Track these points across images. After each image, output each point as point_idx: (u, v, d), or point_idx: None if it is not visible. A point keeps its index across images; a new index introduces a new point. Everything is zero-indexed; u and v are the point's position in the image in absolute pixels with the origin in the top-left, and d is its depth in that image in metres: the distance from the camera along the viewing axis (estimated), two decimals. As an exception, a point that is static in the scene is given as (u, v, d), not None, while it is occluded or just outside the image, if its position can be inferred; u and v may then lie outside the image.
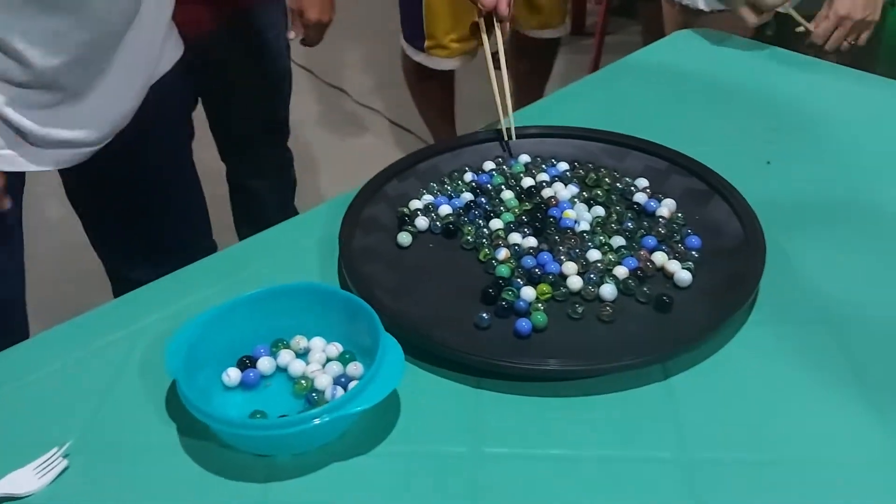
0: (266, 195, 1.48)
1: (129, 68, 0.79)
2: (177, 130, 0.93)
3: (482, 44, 0.84)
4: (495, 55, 0.85)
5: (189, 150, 1.01)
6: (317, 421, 0.53)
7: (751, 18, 1.08)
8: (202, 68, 1.17)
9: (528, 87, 1.94)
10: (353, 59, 2.77)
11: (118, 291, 1.04)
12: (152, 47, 0.83)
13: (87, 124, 0.77)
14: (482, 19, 0.83)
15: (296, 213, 1.55)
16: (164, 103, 0.86)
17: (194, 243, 0.96)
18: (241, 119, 1.40)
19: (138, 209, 0.93)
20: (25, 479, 0.55)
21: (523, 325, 0.63)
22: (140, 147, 0.86)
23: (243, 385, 0.60)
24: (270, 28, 1.31)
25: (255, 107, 1.39)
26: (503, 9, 0.81)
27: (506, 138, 0.84)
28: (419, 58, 1.77)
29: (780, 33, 1.20)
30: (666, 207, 0.76)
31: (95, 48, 0.75)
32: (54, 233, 1.89)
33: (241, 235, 1.46)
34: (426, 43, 1.73)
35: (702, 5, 1.22)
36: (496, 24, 0.83)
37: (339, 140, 2.39)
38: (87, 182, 0.89)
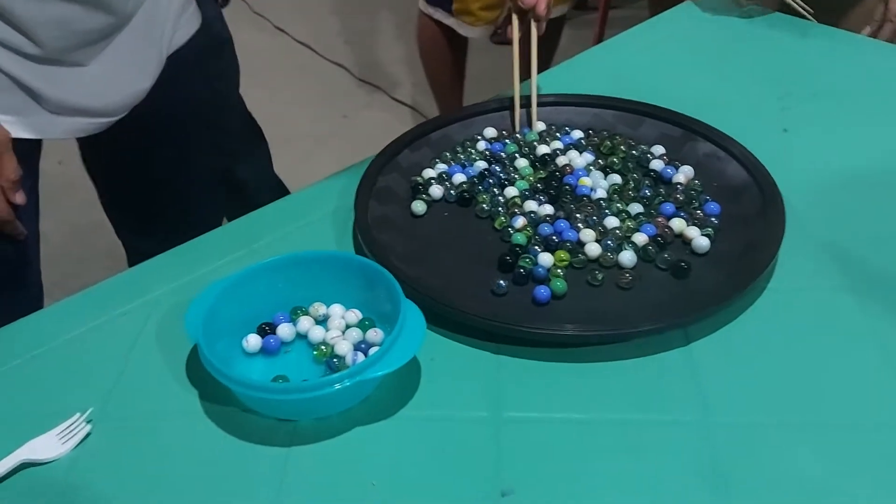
0: (239, 162, 1.46)
1: (143, 42, 0.79)
2: (196, 110, 0.92)
3: (510, 41, 0.81)
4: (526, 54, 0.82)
5: (203, 121, 1.00)
6: (338, 385, 0.53)
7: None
8: None
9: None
10: (353, 35, 2.75)
11: (132, 262, 1.04)
12: (166, 22, 0.82)
13: (102, 94, 0.77)
14: (514, 14, 0.80)
15: (278, 179, 1.53)
16: (182, 75, 0.85)
17: (209, 215, 0.95)
18: None
19: (153, 180, 0.93)
20: (49, 445, 0.55)
21: (542, 291, 0.63)
22: (159, 123, 0.86)
23: (264, 351, 0.60)
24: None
25: None
26: (542, 9, 0.78)
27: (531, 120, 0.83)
28: (445, 20, 1.76)
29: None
30: (683, 174, 0.75)
31: (105, 31, 0.75)
32: (73, 211, 1.88)
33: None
34: (454, 6, 1.72)
35: None
36: (532, 24, 0.80)
37: (341, 116, 2.38)
38: (103, 151, 0.89)
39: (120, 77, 0.78)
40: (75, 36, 0.72)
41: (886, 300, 0.64)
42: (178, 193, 0.95)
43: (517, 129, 0.83)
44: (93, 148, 0.90)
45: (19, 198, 0.73)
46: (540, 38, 0.81)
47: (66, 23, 0.71)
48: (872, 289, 0.65)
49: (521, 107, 0.83)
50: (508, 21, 0.81)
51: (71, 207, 1.95)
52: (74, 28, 0.72)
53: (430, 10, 1.79)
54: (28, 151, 0.76)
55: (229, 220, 1.35)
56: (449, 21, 1.76)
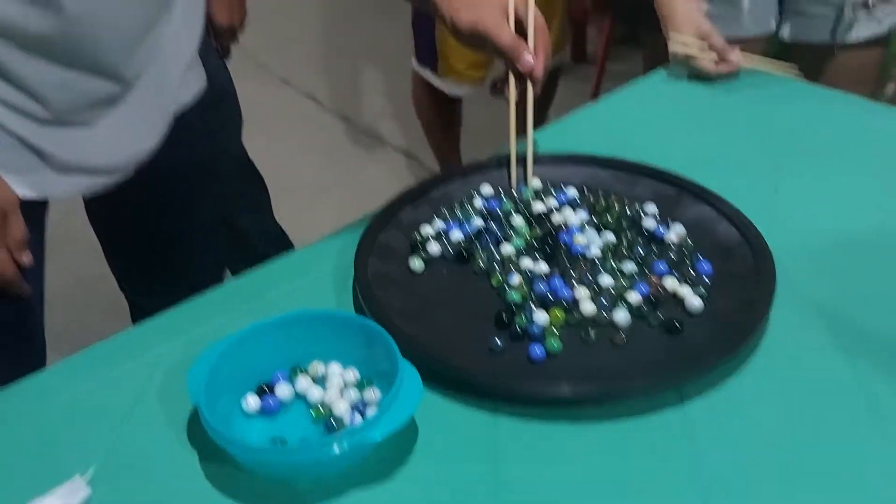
0: (241, 212, 1.49)
1: (150, 102, 0.81)
2: (200, 163, 0.94)
3: (507, 99, 0.82)
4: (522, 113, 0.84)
5: (209, 177, 1.02)
6: (336, 447, 0.54)
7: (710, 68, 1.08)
8: None
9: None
10: (357, 87, 2.81)
11: (135, 315, 1.05)
12: (173, 82, 0.85)
13: (108, 153, 0.79)
14: (510, 73, 0.80)
15: (279, 227, 1.56)
16: (186, 131, 0.88)
17: (212, 274, 0.97)
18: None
19: (156, 233, 0.94)
20: (49, 507, 0.55)
21: (537, 350, 0.64)
22: (162, 178, 0.87)
23: (263, 412, 0.61)
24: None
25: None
26: (539, 73, 0.77)
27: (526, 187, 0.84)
28: (432, 80, 1.80)
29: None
30: (675, 233, 0.77)
31: (112, 95, 0.77)
32: (76, 262, 1.90)
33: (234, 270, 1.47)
34: (439, 66, 1.76)
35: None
36: (529, 85, 0.79)
37: (345, 168, 2.41)
38: (109, 209, 0.91)
39: (126, 137, 0.80)
40: (82, 99, 0.75)
41: (877, 359, 0.65)
42: (181, 245, 0.97)
43: (514, 185, 0.85)
44: (97, 202, 0.92)
45: (26, 258, 0.75)
46: (536, 97, 0.83)
47: (72, 87, 0.73)
48: (863, 348, 0.66)
49: (518, 164, 0.86)
50: (507, 77, 0.83)
51: (74, 258, 1.97)
52: (81, 91, 0.74)
53: (420, 69, 1.84)
54: (35, 209, 0.78)
55: (231, 269, 1.37)
56: (435, 81, 1.80)
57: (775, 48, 1.26)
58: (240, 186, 1.45)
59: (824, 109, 1.03)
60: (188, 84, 0.88)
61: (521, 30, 0.78)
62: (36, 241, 0.80)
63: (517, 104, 0.84)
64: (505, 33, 0.74)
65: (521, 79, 0.79)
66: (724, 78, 1.08)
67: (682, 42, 1.08)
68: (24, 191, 0.75)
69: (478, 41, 0.75)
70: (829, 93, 1.07)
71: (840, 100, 1.05)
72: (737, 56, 1.07)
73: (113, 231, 0.95)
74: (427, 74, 1.82)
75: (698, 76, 1.09)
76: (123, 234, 0.95)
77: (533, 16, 0.78)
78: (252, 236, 1.49)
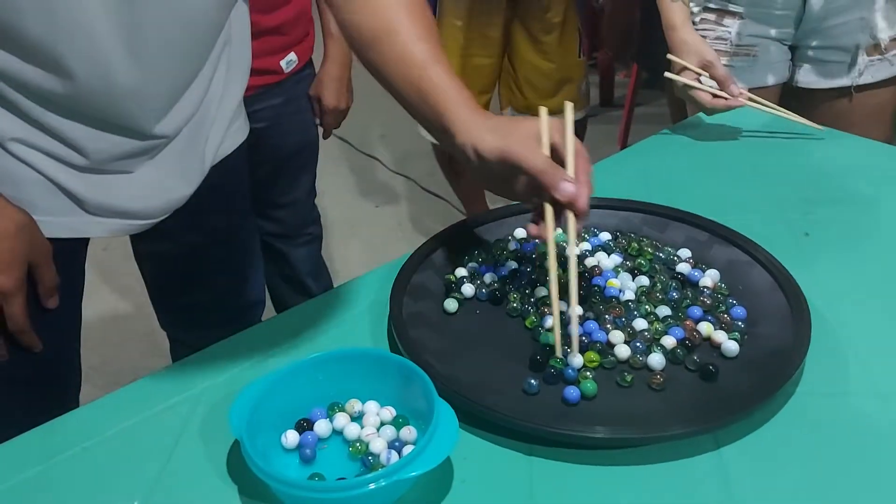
0: (293, 252, 1.54)
1: (188, 153, 0.82)
2: (239, 202, 0.97)
3: (546, 239, 0.68)
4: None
5: (251, 218, 1.04)
6: (372, 485, 0.55)
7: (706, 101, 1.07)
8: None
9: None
10: (387, 128, 2.86)
11: (175, 350, 1.07)
12: (213, 135, 0.85)
13: (145, 198, 0.80)
14: (548, 206, 0.67)
15: (324, 263, 1.62)
16: (227, 178, 0.90)
17: (251, 308, 0.98)
18: (284, 188, 1.47)
19: (201, 274, 0.96)
20: (92, 539, 0.56)
21: (572, 392, 0.65)
22: (202, 218, 0.90)
23: (301, 447, 0.62)
24: (304, 105, 1.39)
25: (297, 177, 1.47)
26: (582, 205, 0.65)
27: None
28: (427, 136, 1.86)
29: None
30: (709, 278, 0.77)
31: (151, 147, 0.78)
32: (112, 297, 1.94)
33: (272, 285, 1.51)
34: None
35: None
36: (571, 219, 0.67)
37: (374, 207, 2.45)
38: (152, 244, 0.93)
39: (163, 184, 0.81)
40: (117, 150, 0.75)
41: (916, 407, 0.64)
42: (224, 281, 0.98)
43: (559, 353, 0.68)
44: (141, 237, 0.94)
45: (52, 303, 0.77)
46: (578, 232, 0.69)
47: (107, 140, 0.74)
48: (901, 395, 0.66)
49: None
50: (540, 215, 0.68)
51: (112, 292, 2.01)
52: (116, 144, 0.75)
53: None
54: (74, 245, 0.80)
55: (274, 302, 1.40)
56: (428, 135, 1.85)
57: (790, 94, 1.27)
58: (296, 221, 1.51)
59: (852, 156, 1.03)
60: (230, 137, 0.89)
61: (557, 158, 0.67)
62: (75, 275, 0.82)
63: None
64: (539, 157, 0.65)
65: (559, 213, 0.67)
66: (723, 112, 1.07)
67: (679, 69, 1.07)
68: (60, 231, 0.77)
69: (506, 170, 0.66)
70: (854, 139, 1.07)
71: (866, 147, 1.06)
72: (737, 91, 1.05)
73: (156, 266, 0.97)
74: (422, 131, 1.88)
75: (704, 112, 1.08)
76: (166, 269, 0.97)
77: (572, 138, 0.68)
78: (298, 270, 1.55)
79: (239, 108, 0.90)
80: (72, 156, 0.74)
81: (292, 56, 1.33)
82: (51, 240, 0.75)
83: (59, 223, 0.77)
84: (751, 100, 1.06)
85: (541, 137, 0.67)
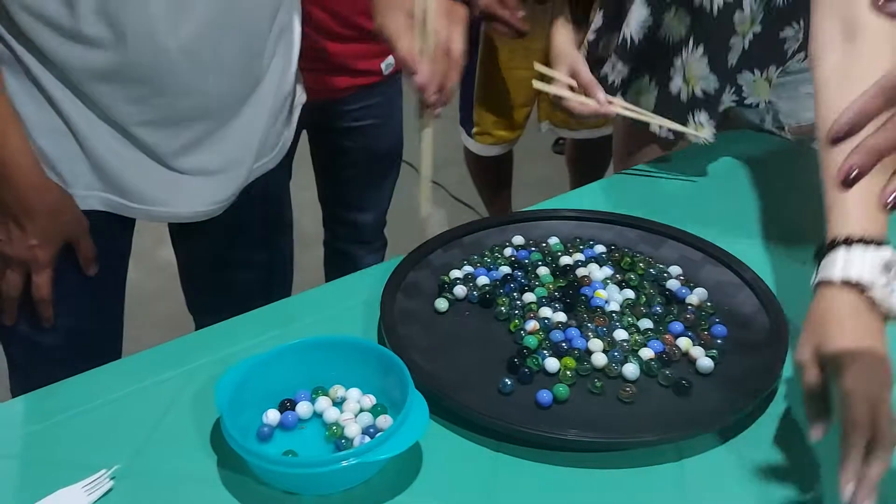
0: (363, 259, 1.58)
1: (236, 153, 0.85)
2: (279, 193, 0.99)
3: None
4: None
5: (289, 218, 1.06)
6: (343, 463, 0.57)
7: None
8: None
9: (585, 179, 2.01)
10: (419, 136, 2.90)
11: None
12: (263, 149, 0.88)
13: (189, 202, 0.83)
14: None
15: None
16: (275, 188, 0.93)
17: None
18: (370, 192, 1.50)
19: (231, 265, 0.99)
20: (73, 497, 0.60)
21: (544, 395, 0.67)
22: (244, 218, 0.92)
23: (281, 426, 0.65)
24: (396, 109, 1.42)
25: (382, 182, 1.50)
26: (430, 93, 0.74)
27: None
28: (466, 142, 1.89)
29: None
30: (696, 296, 0.79)
31: (197, 136, 0.81)
32: (136, 278, 2.00)
33: None
34: (474, 129, 1.84)
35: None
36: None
37: (403, 212, 2.49)
38: (188, 233, 0.95)
39: (203, 187, 0.83)
40: (171, 138, 0.78)
41: (885, 437, 0.65)
42: (254, 273, 1.01)
43: (424, 209, 0.82)
44: (179, 226, 0.96)
45: (92, 270, 0.82)
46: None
47: (162, 123, 0.78)
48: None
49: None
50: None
51: (137, 275, 2.07)
52: (170, 122, 0.78)
53: (461, 132, 1.92)
54: (118, 226, 0.84)
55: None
56: (469, 143, 1.87)
57: None
58: (375, 227, 1.54)
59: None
60: (274, 143, 0.91)
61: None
62: (122, 247, 0.86)
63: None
64: (404, 42, 0.72)
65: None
66: (591, 120, 1.05)
67: (546, 80, 1.04)
68: (96, 204, 0.81)
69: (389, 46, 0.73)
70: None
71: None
72: (603, 98, 1.00)
73: (190, 252, 1.00)
74: (463, 137, 1.90)
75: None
76: (198, 258, 1.00)
77: (432, 28, 0.73)
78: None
79: (287, 118, 0.92)
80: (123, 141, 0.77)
81: (391, 59, 1.37)
82: (94, 213, 0.79)
83: (94, 197, 0.80)
84: (625, 107, 1.03)
85: (411, 14, 0.72)
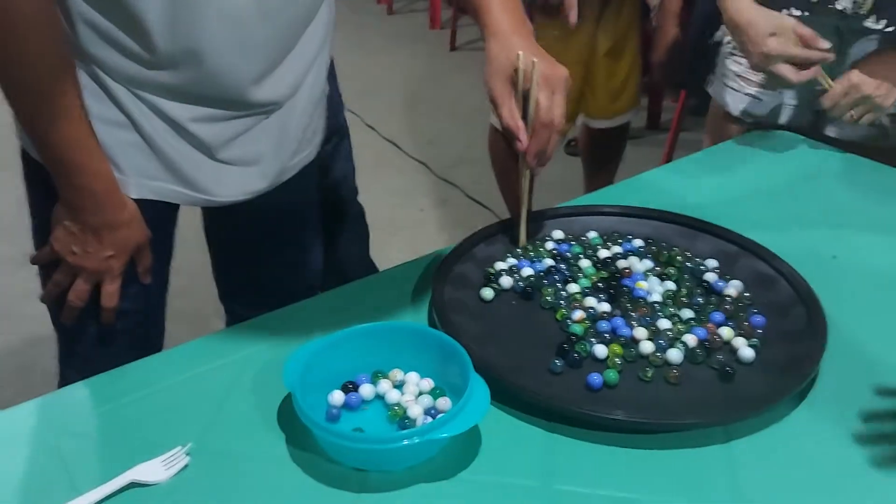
0: (343, 244, 1.60)
1: (276, 144, 0.87)
2: (308, 190, 1.02)
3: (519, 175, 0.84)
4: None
5: (317, 207, 1.09)
6: (406, 441, 0.61)
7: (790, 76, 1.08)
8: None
9: (600, 172, 2.05)
10: (437, 135, 2.93)
11: (229, 323, 1.13)
12: (301, 142, 0.90)
13: (228, 190, 0.86)
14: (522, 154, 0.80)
15: (371, 261, 1.67)
16: (302, 174, 0.94)
17: (305, 293, 1.04)
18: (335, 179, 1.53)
19: (263, 256, 1.02)
20: (154, 470, 0.63)
21: (595, 378, 0.70)
22: (275, 206, 0.94)
23: (346, 406, 0.68)
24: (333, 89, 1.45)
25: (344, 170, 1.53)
26: (530, 158, 0.78)
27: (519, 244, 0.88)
28: (494, 121, 1.91)
29: None
30: (734, 288, 0.82)
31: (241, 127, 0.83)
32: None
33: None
34: None
35: (746, 116, 1.26)
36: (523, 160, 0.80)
37: (419, 211, 2.52)
38: (222, 222, 0.99)
39: (240, 174, 0.85)
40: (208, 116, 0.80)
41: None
42: (284, 264, 1.04)
43: (521, 243, 0.88)
44: (212, 214, 1.00)
45: (146, 280, 0.85)
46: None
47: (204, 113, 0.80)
48: (909, 408, 0.69)
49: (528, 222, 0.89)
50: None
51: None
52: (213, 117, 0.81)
53: (495, 121, 1.94)
54: (165, 215, 0.87)
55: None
56: (495, 121, 1.90)
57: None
58: (345, 220, 1.57)
59: (882, 185, 1.06)
60: (302, 151, 0.93)
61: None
62: (164, 239, 0.89)
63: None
64: (505, 110, 0.76)
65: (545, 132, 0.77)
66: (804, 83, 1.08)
67: (773, 39, 1.06)
68: (144, 193, 0.83)
69: None
70: (891, 171, 1.10)
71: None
72: (825, 44, 1.06)
73: (223, 243, 1.04)
74: (492, 118, 1.93)
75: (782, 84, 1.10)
76: (233, 244, 1.03)
77: (533, 103, 0.76)
78: (347, 266, 1.61)
79: (321, 110, 0.94)
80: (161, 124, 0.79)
81: None
82: (146, 202, 0.82)
83: (146, 186, 0.82)
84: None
85: (512, 77, 0.76)
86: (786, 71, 1.07)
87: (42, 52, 0.70)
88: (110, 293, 0.81)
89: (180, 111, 0.78)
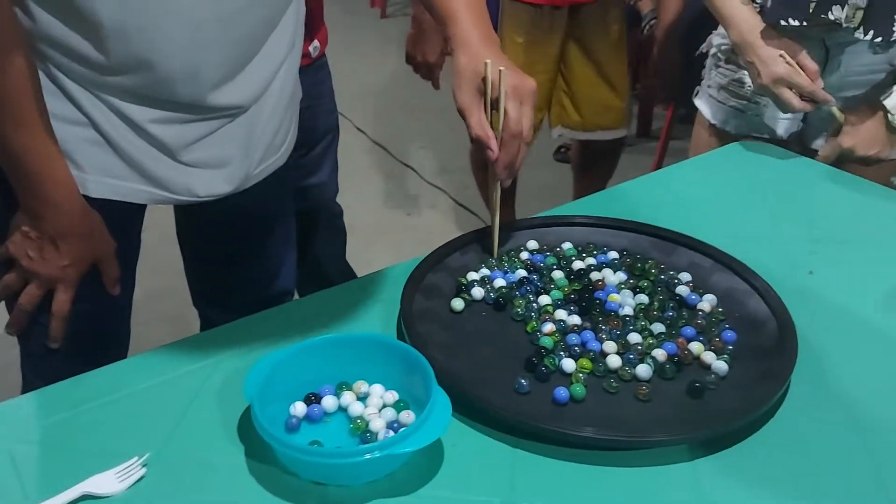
0: (319, 244, 1.59)
1: (243, 145, 0.86)
2: (281, 196, 1.01)
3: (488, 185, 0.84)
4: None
5: (291, 214, 1.08)
6: (367, 456, 0.59)
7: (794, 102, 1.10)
8: None
9: (591, 186, 2.03)
10: (426, 139, 2.93)
11: (203, 328, 1.12)
12: (264, 145, 0.88)
13: (192, 190, 0.84)
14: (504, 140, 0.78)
15: (346, 262, 1.66)
16: (274, 179, 0.93)
17: (279, 297, 1.03)
18: (311, 170, 1.51)
19: (237, 258, 1.01)
20: (108, 482, 0.62)
21: (562, 393, 0.69)
22: (247, 206, 0.93)
23: (307, 418, 0.67)
24: (327, 91, 1.44)
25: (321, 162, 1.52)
26: (499, 169, 0.78)
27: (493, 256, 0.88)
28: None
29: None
30: (707, 302, 0.81)
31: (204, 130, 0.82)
32: (144, 276, 2.01)
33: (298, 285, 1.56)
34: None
35: (730, 128, 1.26)
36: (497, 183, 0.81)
37: (405, 215, 2.51)
38: (194, 223, 0.98)
39: (204, 174, 0.84)
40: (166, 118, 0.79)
41: (889, 443, 0.67)
42: (258, 267, 1.03)
43: (494, 253, 0.88)
44: (186, 218, 0.99)
45: (115, 291, 0.84)
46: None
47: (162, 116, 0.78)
48: (879, 434, 0.68)
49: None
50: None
51: (142, 272, 2.08)
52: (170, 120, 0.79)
53: None
54: (130, 215, 0.86)
55: (300, 295, 1.45)
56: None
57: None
58: (324, 219, 1.56)
59: (863, 201, 1.06)
60: (276, 153, 0.92)
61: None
62: (133, 236, 0.88)
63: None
64: (474, 120, 0.76)
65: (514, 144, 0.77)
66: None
67: (784, 64, 1.08)
68: (106, 193, 0.81)
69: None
70: (872, 186, 1.10)
71: (880, 193, 1.08)
72: (821, 83, 1.08)
73: (195, 245, 1.02)
74: None
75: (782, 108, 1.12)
76: (205, 249, 1.02)
77: (502, 111, 0.76)
78: (323, 265, 1.60)
79: (292, 114, 0.93)
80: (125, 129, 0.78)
81: (316, 43, 1.39)
82: (108, 203, 0.81)
83: (106, 184, 0.81)
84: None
85: (481, 88, 0.76)
86: (790, 97, 1.09)
87: (5, 60, 0.69)
88: (62, 301, 0.80)
89: (140, 113, 0.77)
